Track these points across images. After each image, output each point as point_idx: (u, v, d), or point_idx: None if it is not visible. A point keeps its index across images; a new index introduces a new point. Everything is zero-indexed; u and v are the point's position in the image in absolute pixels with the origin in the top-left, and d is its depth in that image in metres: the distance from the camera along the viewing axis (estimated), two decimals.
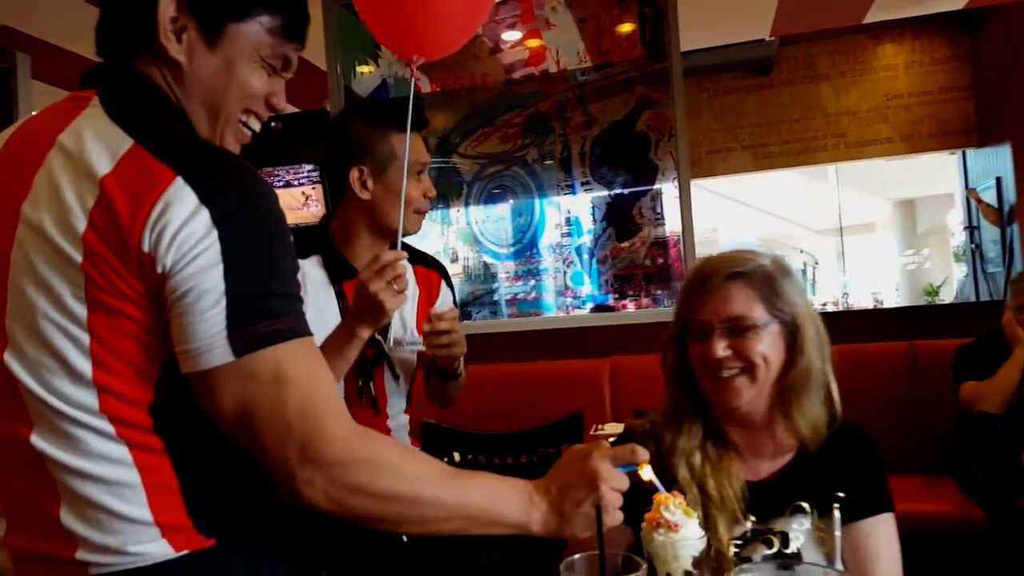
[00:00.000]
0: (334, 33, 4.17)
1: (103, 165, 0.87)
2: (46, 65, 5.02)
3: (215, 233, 0.84)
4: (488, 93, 4.09)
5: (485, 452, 2.31)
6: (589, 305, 4.04)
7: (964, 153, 7.01)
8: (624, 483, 0.98)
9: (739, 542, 1.22)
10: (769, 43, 6.14)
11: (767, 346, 1.24)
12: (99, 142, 0.89)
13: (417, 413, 1.85)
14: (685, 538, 0.97)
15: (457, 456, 2.38)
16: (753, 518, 1.24)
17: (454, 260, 4.19)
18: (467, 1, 1.57)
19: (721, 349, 1.24)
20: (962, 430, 3.08)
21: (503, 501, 0.97)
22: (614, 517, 0.97)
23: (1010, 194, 6.04)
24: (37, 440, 0.87)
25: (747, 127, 6.83)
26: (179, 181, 0.85)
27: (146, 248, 0.84)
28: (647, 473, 1.03)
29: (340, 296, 1.63)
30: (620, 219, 3.95)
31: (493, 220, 4.13)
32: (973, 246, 7.14)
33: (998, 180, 6.24)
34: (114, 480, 0.87)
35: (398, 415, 1.73)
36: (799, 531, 1.22)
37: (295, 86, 1.11)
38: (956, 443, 3.12)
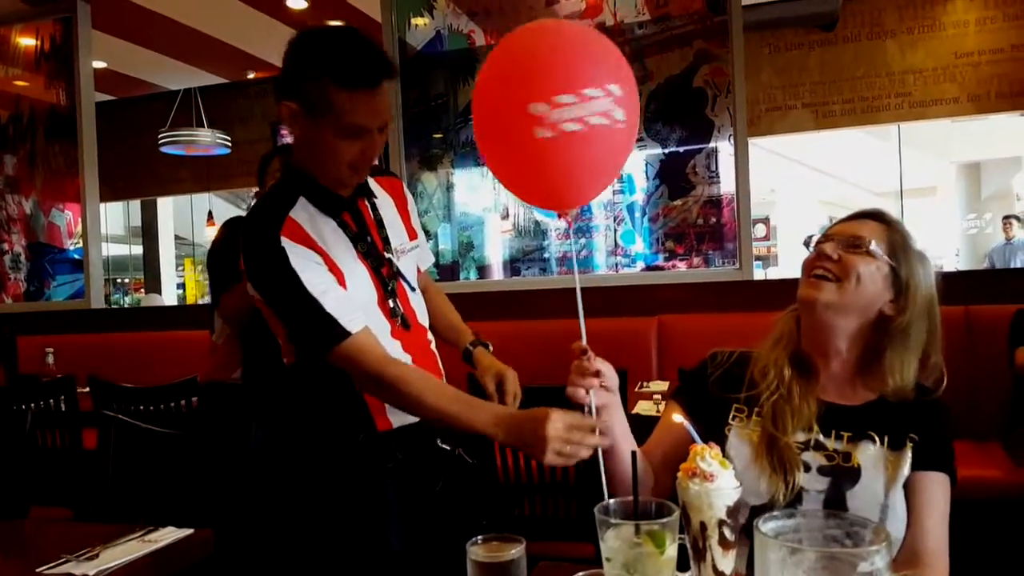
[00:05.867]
0: None
1: None
2: (106, 15, 5.10)
3: None
4: None
5: (532, 406, 2.33)
6: (639, 263, 4.02)
7: None
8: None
9: (800, 447, 1.27)
10: None
11: (869, 271, 1.28)
12: None
13: (463, 365, 1.84)
14: (720, 488, 0.99)
15: None
16: (819, 431, 1.28)
17: (504, 217, 4.20)
18: (605, 165, 1.35)
19: (830, 250, 1.30)
20: (1018, 396, 3.01)
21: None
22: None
23: None
24: None
25: (808, 84, 6.64)
26: None
27: None
28: (678, 417, 1.13)
29: (343, 226, 1.56)
30: (673, 177, 3.91)
31: None
32: None
33: None
34: None
35: (427, 329, 1.72)
36: (865, 454, 1.25)
37: None
38: (1011, 409, 3.06)
